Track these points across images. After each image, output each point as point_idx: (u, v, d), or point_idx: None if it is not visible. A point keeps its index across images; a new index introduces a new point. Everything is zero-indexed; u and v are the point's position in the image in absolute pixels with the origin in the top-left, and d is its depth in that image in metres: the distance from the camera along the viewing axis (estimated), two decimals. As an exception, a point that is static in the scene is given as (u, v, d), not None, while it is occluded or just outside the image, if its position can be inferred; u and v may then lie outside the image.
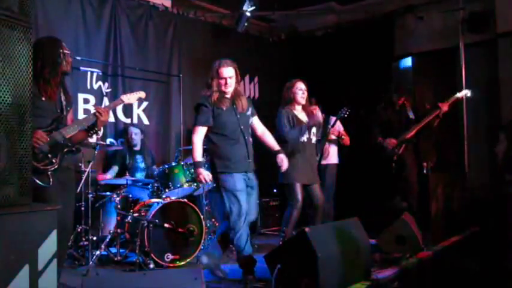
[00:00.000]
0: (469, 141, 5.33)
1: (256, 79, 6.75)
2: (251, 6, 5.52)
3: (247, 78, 6.64)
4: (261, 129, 3.69)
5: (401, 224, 3.94)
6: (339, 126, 5.06)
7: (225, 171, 3.37)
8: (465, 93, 4.73)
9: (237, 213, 3.31)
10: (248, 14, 5.62)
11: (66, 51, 2.85)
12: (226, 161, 3.38)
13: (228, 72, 3.42)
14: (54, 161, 2.70)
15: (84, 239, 4.04)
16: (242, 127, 3.46)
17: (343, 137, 5.02)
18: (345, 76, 5.96)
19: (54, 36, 3.05)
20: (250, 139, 3.56)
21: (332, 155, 5.10)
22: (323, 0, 6.33)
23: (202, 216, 4.13)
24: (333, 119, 5.01)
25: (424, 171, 4.70)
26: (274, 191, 5.89)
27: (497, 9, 5.23)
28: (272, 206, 5.87)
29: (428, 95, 5.53)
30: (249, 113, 3.56)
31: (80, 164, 4.01)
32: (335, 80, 5.88)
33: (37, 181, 2.54)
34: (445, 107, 4.56)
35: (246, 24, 5.83)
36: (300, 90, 4.19)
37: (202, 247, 4.12)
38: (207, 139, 3.48)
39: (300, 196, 4.10)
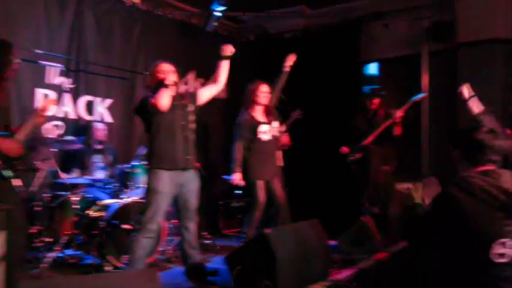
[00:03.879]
0: (428, 146, 5.49)
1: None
2: (221, 6, 5.50)
3: (215, 78, 6.60)
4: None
5: (361, 226, 4.02)
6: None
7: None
8: (422, 96, 4.87)
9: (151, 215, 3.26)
10: (217, 13, 5.60)
11: (16, 59, 2.88)
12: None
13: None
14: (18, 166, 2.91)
15: (38, 241, 3.90)
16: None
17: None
18: (312, 79, 6.01)
19: (7, 40, 2.98)
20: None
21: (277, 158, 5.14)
22: (293, 3, 6.37)
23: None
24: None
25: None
26: (237, 192, 5.89)
27: (459, 20, 5.40)
28: (234, 208, 5.87)
29: (393, 101, 5.65)
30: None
31: (36, 162, 3.89)
32: (302, 82, 5.92)
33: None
34: (398, 113, 4.71)
35: (215, 24, 5.80)
36: (263, 93, 4.25)
37: (161, 249, 4.07)
38: None
39: (262, 197, 4.14)
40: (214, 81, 3.63)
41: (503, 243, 1.93)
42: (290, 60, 4.44)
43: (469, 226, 1.97)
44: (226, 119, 6.36)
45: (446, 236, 2.07)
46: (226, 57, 3.58)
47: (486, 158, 2.11)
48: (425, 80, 5.59)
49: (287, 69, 4.45)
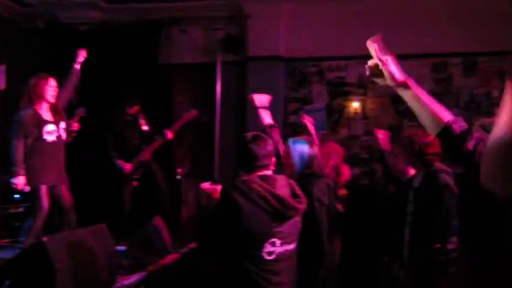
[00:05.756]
0: (219, 150, 5.84)
1: (3, 68, 5.90)
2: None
3: (-9, 65, 5.75)
4: None
5: (150, 229, 4.00)
6: None
7: None
8: (191, 114, 5.15)
9: None
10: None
11: None
12: None
13: None
14: None
15: None
16: None
17: None
18: (107, 77, 5.76)
19: None
20: None
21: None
22: (89, -6, 6.00)
23: None
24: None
25: (178, 176, 4.94)
26: (16, 196, 5.22)
27: (249, 36, 5.91)
28: (12, 214, 5.18)
29: (187, 105, 5.83)
30: None
31: None
32: (96, 79, 5.62)
33: None
34: (169, 135, 4.96)
35: (-6, 3, 5.06)
36: (51, 87, 3.89)
37: None
38: None
39: (45, 203, 3.78)
40: None
41: (273, 243, 2.19)
42: (80, 56, 4.14)
43: (246, 227, 2.17)
44: (4, 112, 5.58)
45: (227, 236, 2.23)
46: None
47: (257, 164, 2.34)
48: (218, 88, 5.94)
49: (77, 66, 4.14)
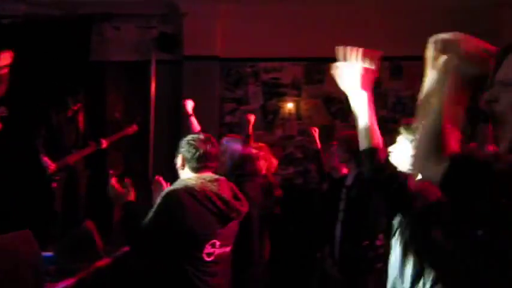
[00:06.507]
0: (154, 150, 5.72)
1: None
2: None
3: None
4: None
5: (80, 233, 3.83)
6: None
7: None
8: (132, 128, 5.06)
9: None
10: None
11: None
12: None
13: None
14: None
15: None
16: None
17: None
18: (32, 73, 5.43)
19: None
20: None
21: None
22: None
23: None
24: None
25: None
26: None
27: (184, 35, 5.83)
28: None
29: (119, 104, 5.65)
30: None
31: None
32: (20, 75, 5.28)
33: None
34: (104, 143, 4.85)
35: None
36: None
37: None
38: None
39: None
40: None
41: (213, 244, 2.18)
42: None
43: (190, 226, 2.14)
44: None
45: (169, 234, 2.17)
46: None
47: (206, 165, 2.31)
48: (152, 87, 5.81)
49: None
